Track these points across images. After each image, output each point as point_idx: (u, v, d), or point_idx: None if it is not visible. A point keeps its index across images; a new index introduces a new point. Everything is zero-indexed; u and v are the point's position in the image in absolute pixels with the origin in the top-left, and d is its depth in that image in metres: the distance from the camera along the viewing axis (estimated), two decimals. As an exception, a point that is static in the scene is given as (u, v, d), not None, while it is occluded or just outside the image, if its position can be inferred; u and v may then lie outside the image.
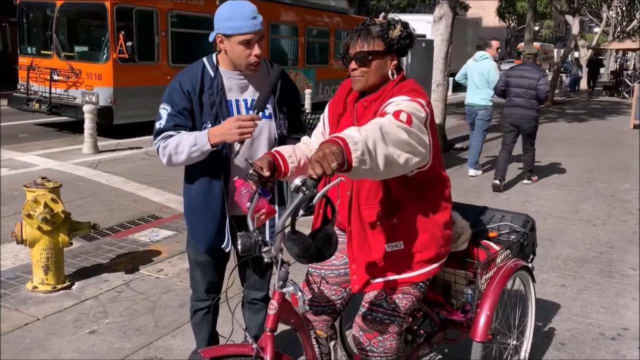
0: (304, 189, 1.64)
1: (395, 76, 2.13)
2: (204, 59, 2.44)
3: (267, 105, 2.41)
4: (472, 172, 8.09)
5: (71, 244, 4.13)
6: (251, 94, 2.42)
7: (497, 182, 7.20)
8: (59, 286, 4.01)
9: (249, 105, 2.40)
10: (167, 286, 4.12)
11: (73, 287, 4.07)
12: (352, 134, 1.66)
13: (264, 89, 2.35)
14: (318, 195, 1.63)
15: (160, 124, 2.36)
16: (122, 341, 3.35)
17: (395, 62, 2.12)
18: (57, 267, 4.02)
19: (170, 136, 2.32)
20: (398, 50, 2.10)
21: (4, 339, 3.33)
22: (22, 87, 11.57)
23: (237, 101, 2.39)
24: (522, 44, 25.20)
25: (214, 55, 2.42)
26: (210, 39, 2.35)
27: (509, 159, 7.45)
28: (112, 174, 7.68)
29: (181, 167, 2.48)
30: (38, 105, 11.11)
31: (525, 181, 7.77)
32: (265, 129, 2.40)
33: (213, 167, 2.38)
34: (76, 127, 10.88)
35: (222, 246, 2.47)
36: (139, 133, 10.76)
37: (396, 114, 1.86)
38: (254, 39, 2.27)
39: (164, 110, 2.36)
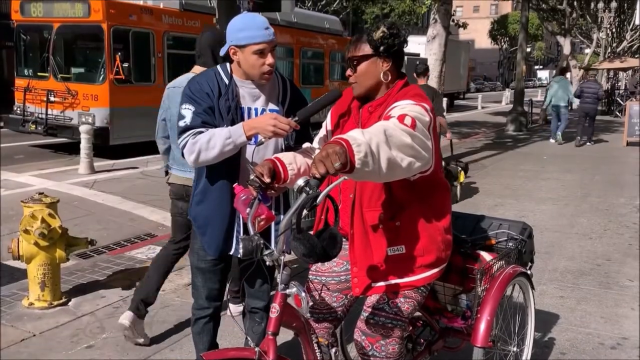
0: (307, 189, 1.65)
1: (395, 79, 2.16)
2: (217, 66, 2.47)
3: None
4: (559, 138, 14.26)
5: (68, 259, 4.11)
6: (262, 104, 2.45)
7: (580, 143, 13.79)
8: (56, 302, 3.97)
9: (259, 115, 2.42)
10: (164, 301, 4.09)
11: (69, 303, 4.03)
12: (356, 136, 1.69)
13: (275, 100, 2.39)
14: (322, 194, 1.65)
15: (185, 122, 2.34)
16: (119, 355, 3.32)
17: (387, 64, 2.14)
18: (54, 284, 3.99)
19: (200, 132, 2.31)
20: (386, 52, 2.12)
21: (1, 355, 3.29)
22: (19, 109, 11.59)
23: (249, 109, 2.42)
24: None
25: (227, 64, 2.45)
26: (222, 52, 2.38)
27: (584, 129, 13.98)
28: (108, 193, 7.67)
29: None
30: (34, 126, 11.11)
31: (588, 143, 13.90)
32: (273, 139, 2.41)
33: (225, 170, 2.40)
34: (72, 149, 10.88)
35: (231, 252, 2.48)
36: (135, 153, 10.78)
37: (400, 118, 1.89)
38: (268, 48, 2.31)
39: (188, 110, 2.35)
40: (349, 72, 2.18)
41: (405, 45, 2.17)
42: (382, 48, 2.11)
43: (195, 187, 2.55)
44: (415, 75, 7.28)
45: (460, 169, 7.43)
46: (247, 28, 2.30)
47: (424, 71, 7.37)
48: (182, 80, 3.36)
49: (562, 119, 14.39)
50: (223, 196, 2.43)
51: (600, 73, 31.69)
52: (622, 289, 4.46)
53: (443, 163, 7.46)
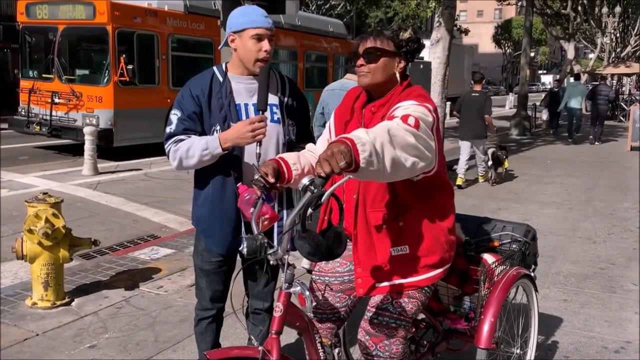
0: (312, 187, 1.65)
1: (401, 80, 2.19)
2: (214, 67, 2.51)
3: (276, 110, 2.45)
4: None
5: (71, 259, 4.12)
6: None
7: (593, 142, 15.12)
8: (59, 302, 3.98)
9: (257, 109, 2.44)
10: (167, 302, 4.10)
11: (72, 303, 4.04)
12: (360, 135, 1.69)
13: (275, 91, 2.43)
14: (327, 193, 1.64)
15: (171, 128, 2.41)
16: (122, 355, 3.32)
17: (402, 65, 2.18)
18: (57, 283, 3.99)
19: (181, 140, 2.36)
20: (406, 53, 2.17)
21: (3, 354, 3.29)
22: (23, 110, 11.62)
23: (246, 105, 2.43)
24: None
25: (223, 63, 2.49)
26: (221, 46, 2.45)
27: (595, 131, 15.38)
28: (112, 194, 7.68)
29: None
30: (39, 128, 11.14)
31: (597, 142, 15.15)
32: (274, 134, 2.43)
33: (226, 170, 2.41)
34: (76, 150, 10.91)
35: (240, 249, 2.48)
36: (139, 155, 10.80)
37: (404, 118, 1.89)
38: (266, 34, 2.35)
39: (175, 115, 2.41)
40: (361, 61, 2.16)
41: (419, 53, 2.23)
42: (404, 49, 2.15)
43: (198, 188, 2.55)
44: (472, 82, 9.16)
45: (504, 157, 9.18)
46: (246, 14, 2.37)
47: (480, 79, 9.14)
48: (337, 84, 4.46)
49: (577, 121, 15.92)
50: (225, 197, 2.43)
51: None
52: (626, 293, 4.44)
53: (492, 150, 8.71)
